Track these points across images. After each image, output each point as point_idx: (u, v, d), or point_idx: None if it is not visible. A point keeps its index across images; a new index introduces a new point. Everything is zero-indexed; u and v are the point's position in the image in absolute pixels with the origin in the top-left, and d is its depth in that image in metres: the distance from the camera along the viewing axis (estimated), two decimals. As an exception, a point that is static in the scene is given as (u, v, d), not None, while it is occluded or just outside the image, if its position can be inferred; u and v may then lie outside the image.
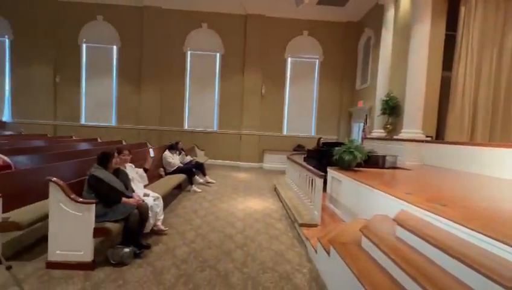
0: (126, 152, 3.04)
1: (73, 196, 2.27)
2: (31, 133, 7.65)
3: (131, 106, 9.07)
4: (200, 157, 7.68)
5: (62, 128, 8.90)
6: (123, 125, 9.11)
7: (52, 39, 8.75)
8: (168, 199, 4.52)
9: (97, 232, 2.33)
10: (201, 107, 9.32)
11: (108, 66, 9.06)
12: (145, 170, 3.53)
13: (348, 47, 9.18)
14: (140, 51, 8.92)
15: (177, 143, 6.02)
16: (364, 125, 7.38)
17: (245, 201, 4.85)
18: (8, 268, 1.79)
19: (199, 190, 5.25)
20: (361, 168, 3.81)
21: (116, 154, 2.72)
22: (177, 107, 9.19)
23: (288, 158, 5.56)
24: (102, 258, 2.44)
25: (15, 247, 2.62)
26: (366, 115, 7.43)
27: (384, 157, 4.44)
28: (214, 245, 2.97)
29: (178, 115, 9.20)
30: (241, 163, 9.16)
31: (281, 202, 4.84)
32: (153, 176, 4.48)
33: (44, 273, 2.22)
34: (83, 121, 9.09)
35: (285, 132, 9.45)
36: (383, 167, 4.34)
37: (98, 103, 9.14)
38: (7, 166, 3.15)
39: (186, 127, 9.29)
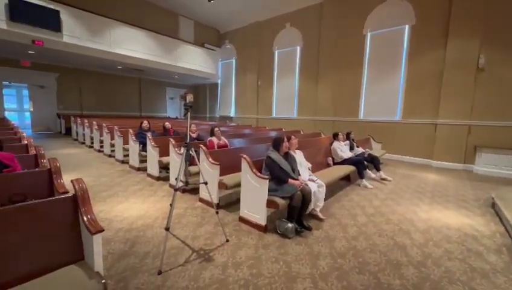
0: (293, 137, 3.35)
1: (254, 170, 2.85)
2: (243, 124, 10.69)
3: (309, 100, 9.90)
4: (376, 150, 6.86)
5: (261, 120, 11.61)
6: (302, 117, 10.21)
7: (256, 53, 11.52)
8: (334, 188, 4.48)
9: (269, 203, 2.78)
10: (380, 95, 8.22)
11: (292, 66, 10.46)
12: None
13: None
14: (318, 47, 9.43)
15: (348, 134, 5.77)
16: None
17: (432, 210, 3.70)
18: (217, 213, 2.62)
19: (370, 186, 4.72)
20: None
21: (285, 139, 3.07)
22: (352, 97, 8.75)
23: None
24: (272, 226, 2.90)
25: (226, 200, 3.78)
26: None
27: None
28: (379, 250, 2.53)
29: (353, 105, 8.77)
30: (433, 161, 7.10)
31: (503, 225, 3.19)
32: (321, 164, 4.63)
33: (237, 224, 3.01)
34: (273, 115, 11.27)
35: (523, 120, 6.04)
36: None
37: (284, 99, 10.88)
38: (225, 145, 4.60)
39: (361, 117, 8.66)
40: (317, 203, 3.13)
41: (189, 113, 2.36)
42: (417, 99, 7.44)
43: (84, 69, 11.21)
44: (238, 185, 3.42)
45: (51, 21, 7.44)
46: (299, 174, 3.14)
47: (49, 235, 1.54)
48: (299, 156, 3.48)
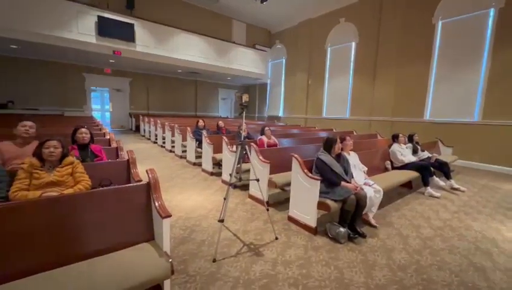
0: (348, 138, 3.17)
1: (305, 170, 2.81)
2: (291, 124, 10.60)
3: (365, 98, 9.23)
4: (445, 155, 6.00)
5: (310, 120, 11.33)
6: (355, 117, 9.59)
7: (307, 52, 11.26)
8: (392, 195, 4.09)
9: (320, 205, 2.70)
10: (452, 92, 7.14)
11: (346, 64, 9.90)
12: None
13: None
14: (376, 41, 8.71)
15: (411, 136, 5.19)
16: None
17: (523, 230, 3.06)
18: (267, 210, 2.67)
19: (437, 194, 4.16)
20: None
21: (338, 140, 2.93)
22: (417, 95, 7.82)
23: None
24: (322, 228, 2.81)
25: (275, 199, 3.82)
26: None
27: None
28: (449, 269, 2.22)
29: (417, 104, 7.84)
30: (525, 172, 5.84)
31: None
32: (377, 168, 4.28)
33: (286, 223, 3.01)
34: (324, 115, 10.86)
35: None
36: None
37: (335, 98, 10.39)
38: (275, 144, 4.64)
39: (427, 117, 7.67)
40: (371, 209, 2.91)
41: (244, 112, 2.46)
42: (503, 97, 6.22)
43: (151, 74, 12.69)
44: (288, 184, 3.43)
45: (127, 33, 8.64)
46: (353, 177, 2.97)
47: (128, 216, 1.81)
48: (353, 158, 3.29)
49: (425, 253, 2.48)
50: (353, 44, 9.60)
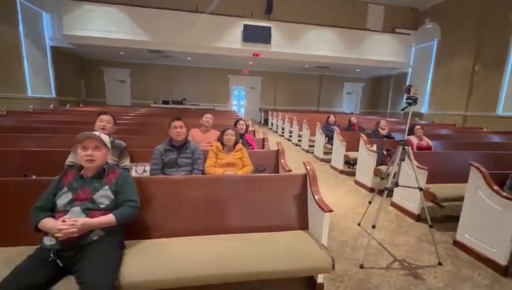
0: None
1: (496, 187, 2.08)
2: (441, 123, 8.41)
3: None
4: None
5: (472, 118, 8.54)
6: None
7: (476, 28, 8.42)
8: None
9: (519, 238, 1.94)
10: None
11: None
12: None
13: None
14: None
15: None
16: None
17: None
18: (430, 227, 2.20)
19: None
20: None
21: None
22: None
23: None
24: (517, 270, 2.02)
25: (429, 214, 3.13)
26: None
27: None
28: None
29: None
30: None
31: None
32: None
33: (450, 248, 2.39)
34: (499, 112, 7.85)
35: None
36: None
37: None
38: (428, 147, 3.79)
39: None
40: None
41: (410, 108, 2.10)
42: None
43: (279, 72, 13.65)
44: (453, 199, 2.74)
45: (264, 36, 9.62)
46: None
47: (285, 201, 1.97)
48: None
49: None
50: None
